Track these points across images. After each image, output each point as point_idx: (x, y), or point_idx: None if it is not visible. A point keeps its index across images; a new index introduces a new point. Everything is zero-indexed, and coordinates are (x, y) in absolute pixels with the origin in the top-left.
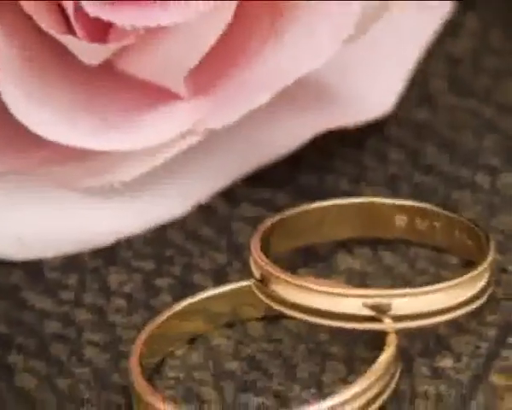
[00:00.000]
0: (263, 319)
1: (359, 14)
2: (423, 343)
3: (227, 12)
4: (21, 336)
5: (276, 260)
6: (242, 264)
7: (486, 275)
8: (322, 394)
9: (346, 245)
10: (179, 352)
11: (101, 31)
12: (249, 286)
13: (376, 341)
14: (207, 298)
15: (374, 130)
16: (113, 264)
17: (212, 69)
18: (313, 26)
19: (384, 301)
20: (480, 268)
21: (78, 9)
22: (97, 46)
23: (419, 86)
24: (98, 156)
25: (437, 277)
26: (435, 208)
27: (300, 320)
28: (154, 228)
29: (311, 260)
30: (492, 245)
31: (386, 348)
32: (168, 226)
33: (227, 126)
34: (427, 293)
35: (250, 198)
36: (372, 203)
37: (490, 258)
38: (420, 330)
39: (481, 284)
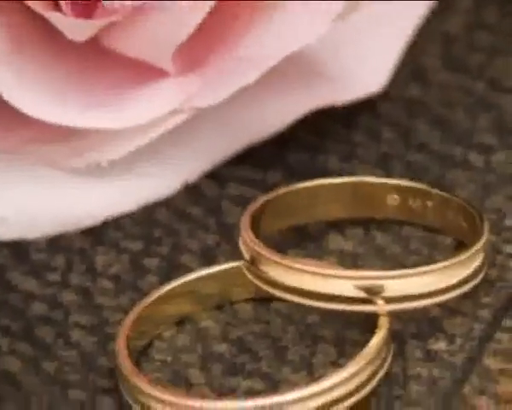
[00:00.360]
0: (252, 300)
1: None
2: (416, 325)
3: None
4: (6, 319)
5: (266, 241)
6: (232, 244)
7: (480, 256)
8: (312, 377)
9: (338, 225)
10: (167, 334)
11: (87, 7)
12: (239, 267)
13: (368, 323)
14: (196, 279)
15: (365, 107)
16: (100, 244)
17: (200, 47)
18: (303, 4)
19: (376, 282)
20: (474, 249)
21: None
22: (83, 22)
23: (411, 63)
24: (85, 135)
25: (430, 258)
26: (428, 188)
27: (291, 302)
28: (142, 208)
29: (301, 240)
30: (486, 225)
31: (377, 330)
32: (156, 206)
33: (216, 105)
34: (419, 274)
35: (239, 178)
36: (364, 182)
37: (484, 238)
38: (413, 312)
39: (475, 265)
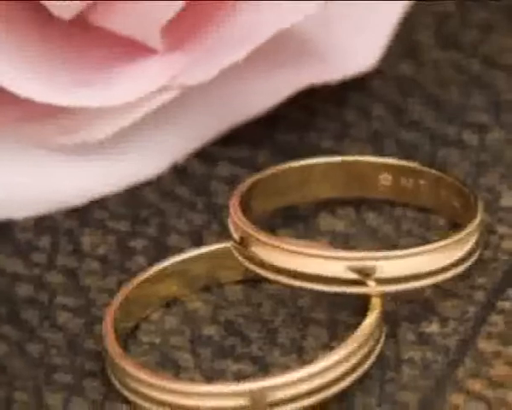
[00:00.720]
0: (242, 282)
1: None
2: (409, 308)
3: None
4: None
5: (256, 221)
6: (220, 225)
7: (474, 236)
8: (303, 360)
9: (329, 205)
10: (155, 316)
11: None
12: (228, 248)
13: (360, 305)
14: (184, 260)
15: (357, 85)
16: (86, 225)
17: (188, 23)
18: None
19: (368, 263)
20: (468, 229)
21: None
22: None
23: (404, 40)
24: (71, 113)
25: (423, 238)
26: (421, 166)
27: (281, 284)
28: (130, 188)
29: (292, 220)
30: (480, 205)
31: (369, 312)
32: (144, 186)
33: (204, 82)
34: (412, 255)
35: (228, 157)
36: (355, 161)
37: (478, 219)
38: (405, 294)
39: (469, 245)
